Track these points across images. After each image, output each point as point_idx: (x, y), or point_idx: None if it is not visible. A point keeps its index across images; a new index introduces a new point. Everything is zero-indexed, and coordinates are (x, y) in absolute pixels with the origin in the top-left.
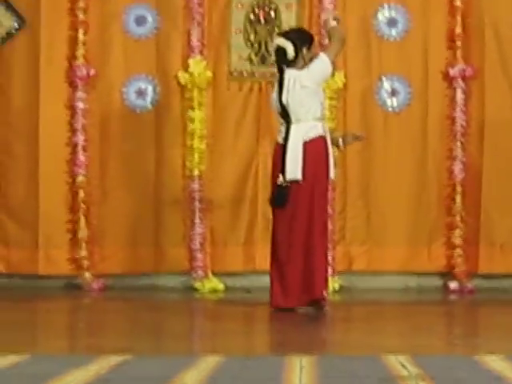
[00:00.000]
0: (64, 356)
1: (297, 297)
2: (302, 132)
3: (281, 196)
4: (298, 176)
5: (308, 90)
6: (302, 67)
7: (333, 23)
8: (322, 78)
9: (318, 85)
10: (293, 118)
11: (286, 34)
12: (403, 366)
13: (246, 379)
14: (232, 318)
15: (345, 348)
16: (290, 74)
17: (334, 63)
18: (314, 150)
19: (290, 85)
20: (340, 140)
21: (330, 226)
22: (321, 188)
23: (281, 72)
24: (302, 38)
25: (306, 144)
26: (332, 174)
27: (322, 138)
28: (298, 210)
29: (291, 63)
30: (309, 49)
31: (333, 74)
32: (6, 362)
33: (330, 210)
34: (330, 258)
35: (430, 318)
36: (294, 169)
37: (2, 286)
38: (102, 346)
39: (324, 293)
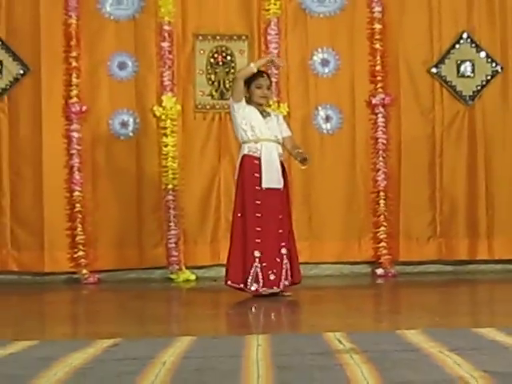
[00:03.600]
0: (66, 341)
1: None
2: (239, 153)
3: None
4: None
5: (232, 118)
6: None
7: (259, 63)
8: (231, 107)
9: (233, 114)
10: None
11: None
12: (340, 341)
13: (213, 356)
14: (202, 304)
15: (293, 327)
16: None
17: (237, 94)
18: (239, 167)
19: None
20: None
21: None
22: (236, 196)
23: None
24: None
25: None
26: (264, 183)
27: (245, 157)
28: None
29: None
30: (249, 86)
31: (239, 100)
32: (18, 346)
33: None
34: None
35: (361, 299)
36: None
37: (14, 282)
38: (97, 332)
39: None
